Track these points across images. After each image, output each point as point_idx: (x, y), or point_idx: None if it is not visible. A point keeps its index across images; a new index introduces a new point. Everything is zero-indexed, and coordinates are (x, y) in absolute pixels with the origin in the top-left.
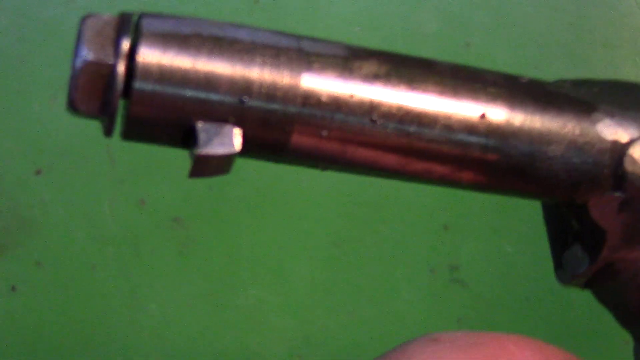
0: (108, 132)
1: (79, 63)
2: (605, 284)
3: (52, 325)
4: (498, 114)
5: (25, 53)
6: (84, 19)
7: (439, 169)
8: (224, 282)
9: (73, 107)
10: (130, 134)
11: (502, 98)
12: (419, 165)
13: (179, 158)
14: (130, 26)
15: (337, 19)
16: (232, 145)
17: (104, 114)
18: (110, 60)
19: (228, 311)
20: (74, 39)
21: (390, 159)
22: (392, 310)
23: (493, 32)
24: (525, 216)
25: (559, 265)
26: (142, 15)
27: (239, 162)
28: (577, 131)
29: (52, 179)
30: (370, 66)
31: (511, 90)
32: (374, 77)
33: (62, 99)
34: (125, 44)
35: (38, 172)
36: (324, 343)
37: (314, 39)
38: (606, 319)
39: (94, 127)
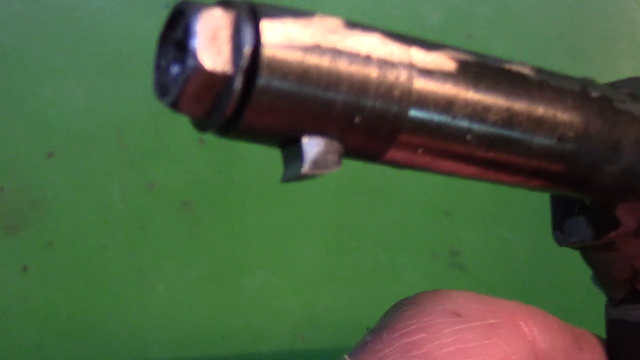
0: (203, 130)
1: (192, 68)
2: (599, 254)
3: (62, 305)
4: (574, 131)
5: (39, 38)
6: (194, 12)
7: (511, 179)
8: (230, 264)
9: (176, 108)
10: (228, 136)
11: (578, 117)
12: (494, 176)
13: (188, 143)
14: (249, 30)
15: (339, 9)
16: (336, 164)
17: (210, 119)
18: (230, 72)
19: (234, 292)
20: (164, 26)
21: (469, 170)
22: (394, 293)
23: (495, 24)
24: (524, 203)
25: (559, 227)
26: (258, 11)
27: (247, 149)
28: (637, 149)
29: (63, 161)
30: (470, 91)
31: (585, 109)
32: (473, 103)
33: (74, 81)
34: (247, 54)
35: (50, 155)
36: (328, 324)
37: (424, 47)
38: (603, 303)
39: (105, 112)
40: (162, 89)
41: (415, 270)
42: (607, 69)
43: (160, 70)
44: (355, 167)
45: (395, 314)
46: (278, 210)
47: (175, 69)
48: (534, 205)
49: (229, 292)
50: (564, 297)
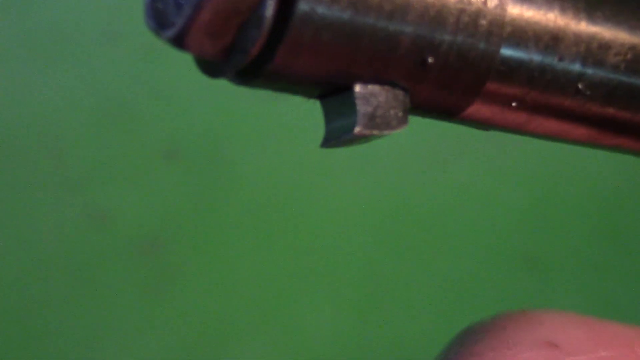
0: (216, 75)
1: None
2: None
3: None
4: None
5: None
6: None
7: (636, 144)
8: (211, 331)
9: (181, 44)
10: (251, 83)
11: None
12: (612, 140)
13: (153, 156)
14: None
15: None
16: (401, 122)
17: (228, 60)
18: None
19: None
20: None
21: (578, 132)
22: None
23: None
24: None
25: None
26: None
27: (238, 159)
28: None
29: None
30: (583, 21)
31: None
32: (588, 39)
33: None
34: None
35: None
36: None
37: None
38: None
39: (33, 112)
40: (158, 17)
41: None
42: None
43: None
44: (391, 184)
45: (465, 345)
46: (279, 252)
47: None
48: None
49: None
50: None
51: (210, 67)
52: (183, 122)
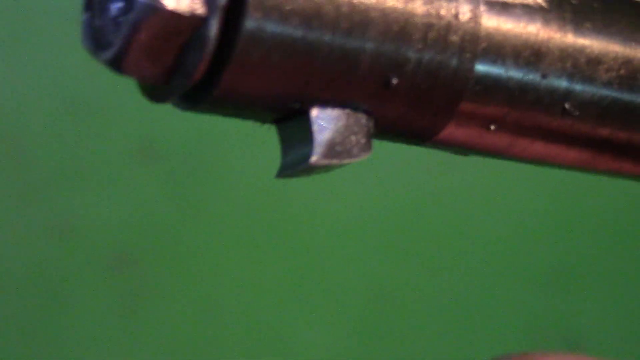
0: (159, 100)
1: (144, 7)
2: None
3: None
4: None
5: None
6: None
7: (637, 168)
8: (193, 358)
9: (119, 67)
10: (198, 108)
11: None
12: (610, 164)
13: (124, 156)
14: None
15: None
16: (363, 149)
17: (171, 83)
18: (201, 11)
19: None
20: None
21: (570, 156)
22: None
23: None
24: None
25: None
26: None
27: (222, 163)
28: None
29: None
30: (569, 33)
31: None
32: (575, 53)
33: None
34: None
35: None
36: None
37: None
38: None
39: None
40: (96, 38)
41: None
42: None
43: (94, 8)
44: (398, 197)
45: None
46: (272, 266)
47: (117, 7)
48: None
49: None
50: None
51: (154, 91)
52: (160, 118)
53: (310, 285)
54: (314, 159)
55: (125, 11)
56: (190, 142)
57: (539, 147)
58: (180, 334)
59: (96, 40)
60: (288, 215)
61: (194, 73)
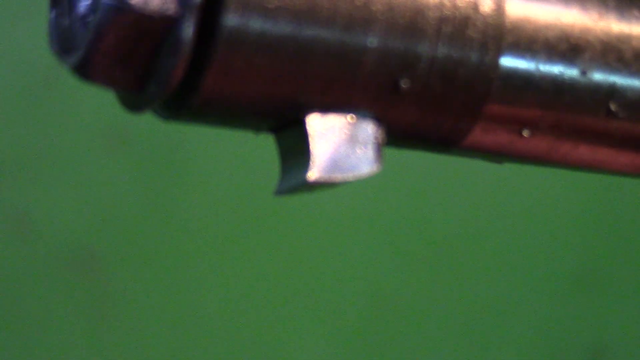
0: (136, 109)
1: (109, 9)
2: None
3: None
4: None
5: None
6: None
7: None
8: None
9: (86, 74)
10: (180, 117)
11: None
12: None
13: (94, 143)
14: None
15: None
16: (371, 163)
17: (145, 91)
18: (172, 10)
19: None
20: None
21: (620, 161)
22: None
23: None
24: None
25: None
26: None
27: (199, 152)
28: None
29: None
30: (612, 21)
31: None
32: (619, 45)
33: None
34: None
35: None
36: None
37: None
38: None
39: None
40: (62, 41)
41: None
42: None
43: (60, 10)
44: (403, 186)
45: None
46: (256, 269)
47: (85, 5)
48: None
49: None
50: None
51: (130, 99)
52: None
53: (300, 288)
54: (311, 175)
55: (93, 9)
56: (164, 127)
57: (584, 153)
58: (152, 341)
59: (62, 43)
60: (275, 211)
61: (169, 80)
